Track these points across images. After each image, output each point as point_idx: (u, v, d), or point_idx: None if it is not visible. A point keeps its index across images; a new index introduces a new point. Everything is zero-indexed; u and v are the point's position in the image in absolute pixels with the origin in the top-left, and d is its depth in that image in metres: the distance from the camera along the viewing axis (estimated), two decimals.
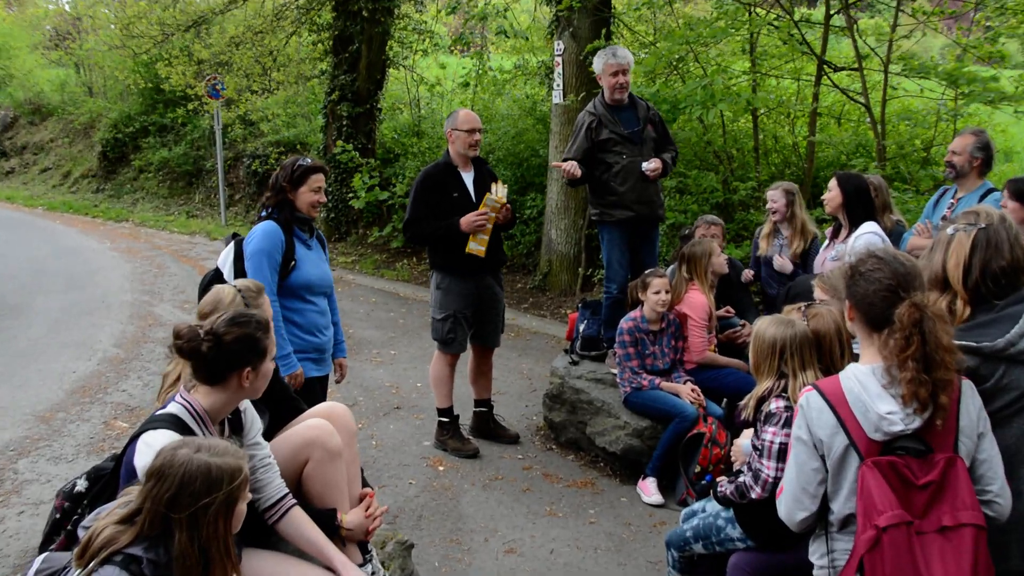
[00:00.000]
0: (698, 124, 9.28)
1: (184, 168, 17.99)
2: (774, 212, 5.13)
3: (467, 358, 5.25)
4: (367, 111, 12.63)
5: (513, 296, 9.80)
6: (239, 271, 3.61)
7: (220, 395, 2.40)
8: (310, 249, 3.77)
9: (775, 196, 5.12)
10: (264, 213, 3.70)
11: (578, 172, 4.90)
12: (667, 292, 4.49)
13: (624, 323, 4.60)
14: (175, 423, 2.31)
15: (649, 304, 4.51)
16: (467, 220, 4.69)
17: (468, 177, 4.85)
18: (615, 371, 4.84)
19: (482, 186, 4.88)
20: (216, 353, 2.35)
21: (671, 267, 5.03)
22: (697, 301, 4.59)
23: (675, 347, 4.62)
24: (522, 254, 10.75)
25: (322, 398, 3.74)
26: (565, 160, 5.07)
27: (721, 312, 5.01)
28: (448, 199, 4.75)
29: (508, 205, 4.76)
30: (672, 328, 4.61)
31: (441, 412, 5.07)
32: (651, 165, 4.92)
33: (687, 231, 5.39)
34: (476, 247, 4.77)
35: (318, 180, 3.72)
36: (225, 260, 3.67)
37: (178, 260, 12.00)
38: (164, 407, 2.39)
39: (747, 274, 5.32)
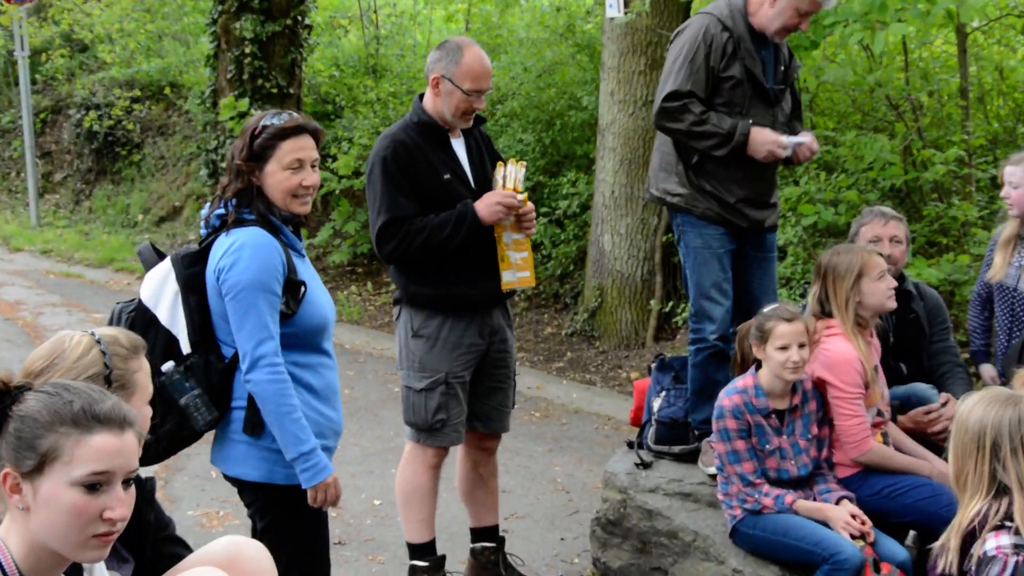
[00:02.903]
0: (860, 52, 9.39)
1: None
2: (1011, 204, 5.15)
3: (454, 455, 5.30)
4: (287, 31, 12.90)
5: (538, 348, 9.88)
6: (197, 310, 3.68)
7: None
8: (303, 260, 3.89)
9: (1017, 175, 5.11)
10: (222, 211, 3.75)
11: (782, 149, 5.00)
12: (802, 346, 4.50)
13: (726, 399, 4.60)
14: None
15: (772, 366, 4.51)
16: (490, 204, 4.74)
17: (459, 147, 4.93)
18: (712, 472, 4.87)
19: (481, 164, 4.96)
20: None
21: (806, 302, 5.04)
22: (839, 355, 4.60)
23: (818, 438, 4.64)
24: (553, 276, 10.87)
25: (321, 519, 3.89)
26: (683, 95, 4.99)
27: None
28: (436, 184, 4.79)
29: (529, 201, 4.85)
30: (812, 404, 4.65)
31: (415, 550, 5.10)
32: (806, 139, 5.02)
33: (850, 234, 5.41)
34: (517, 276, 4.87)
35: (298, 149, 3.76)
36: (160, 291, 3.73)
37: None
38: None
39: (987, 372, 5.32)
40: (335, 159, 11.63)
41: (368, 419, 7.90)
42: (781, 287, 8.01)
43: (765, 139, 4.92)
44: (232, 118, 11.29)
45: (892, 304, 4.72)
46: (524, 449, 7.31)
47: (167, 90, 15.99)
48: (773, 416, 4.58)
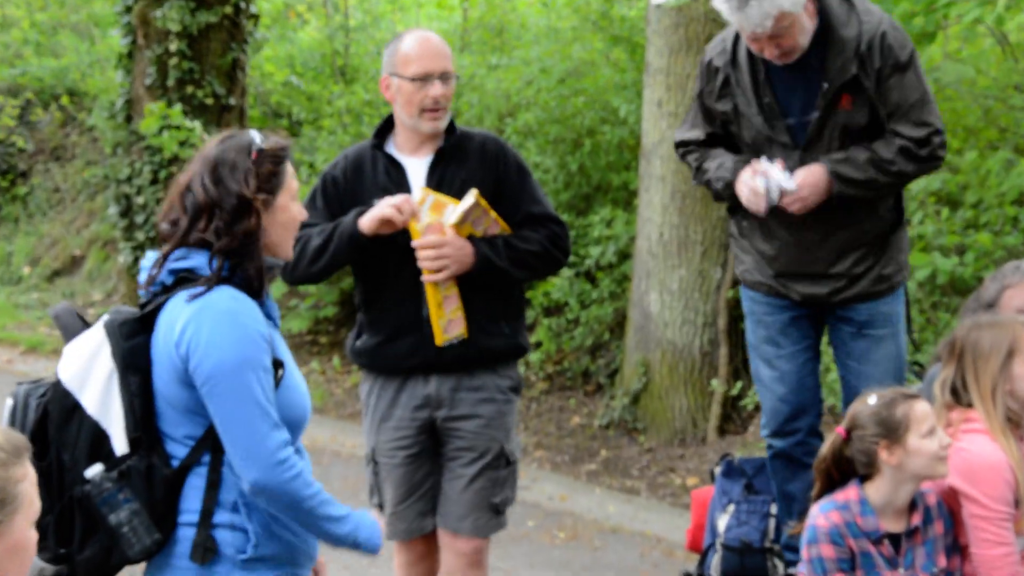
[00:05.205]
0: (994, 47, 9.42)
1: None
2: None
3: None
4: (225, 22, 13.00)
5: (562, 445, 9.85)
6: (139, 395, 3.66)
7: None
8: (279, 335, 3.91)
9: None
10: (183, 264, 3.70)
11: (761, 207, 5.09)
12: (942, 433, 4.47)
13: (822, 517, 4.55)
14: None
15: (920, 465, 4.39)
16: (372, 214, 4.98)
17: (417, 167, 5.21)
18: None
19: (449, 188, 5.15)
20: None
21: (931, 375, 5.06)
22: (982, 458, 4.53)
23: (947, 572, 4.60)
24: (582, 348, 10.84)
25: None
26: (682, 145, 5.39)
27: None
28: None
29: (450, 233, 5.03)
30: (938, 526, 4.62)
31: None
32: (793, 184, 5.00)
33: (985, 296, 5.37)
34: (448, 327, 5.08)
35: (293, 174, 3.88)
36: (87, 370, 3.69)
37: None
38: None
39: None
40: None
41: None
42: None
43: (741, 180, 5.09)
44: (160, 131, 11.26)
45: None
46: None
47: (64, 99, 16.07)
48: (886, 542, 4.50)
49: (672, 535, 8.00)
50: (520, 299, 5.42)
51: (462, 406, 5.15)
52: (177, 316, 3.61)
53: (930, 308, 8.42)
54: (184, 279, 3.68)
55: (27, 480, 3.05)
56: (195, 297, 3.61)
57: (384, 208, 4.93)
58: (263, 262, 3.75)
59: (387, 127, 5.27)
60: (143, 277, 3.79)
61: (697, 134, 5.36)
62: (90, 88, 15.73)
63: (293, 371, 3.84)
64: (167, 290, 3.70)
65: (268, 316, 3.79)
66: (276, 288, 12.20)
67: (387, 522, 5.16)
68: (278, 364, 3.71)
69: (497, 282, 5.11)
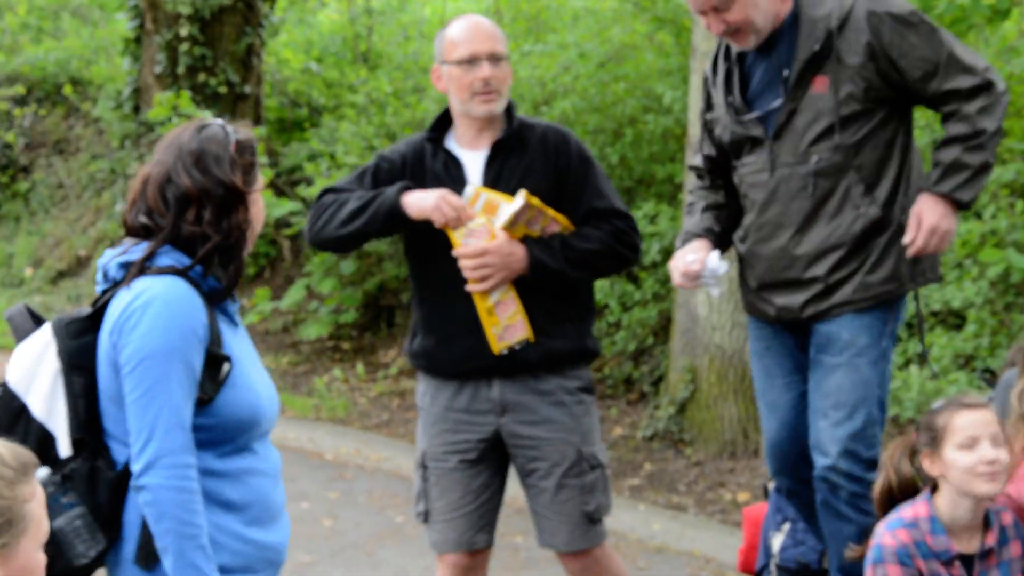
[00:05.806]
0: None
1: None
2: None
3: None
4: (240, 5, 13.07)
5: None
6: (83, 395, 3.70)
7: None
8: (236, 330, 3.96)
9: None
10: (130, 257, 3.75)
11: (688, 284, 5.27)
12: (996, 443, 4.43)
13: (888, 535, 4.53)
14: None
15: (957, 478, 4.41)
16: (425, 200, 5.06)
17: (474, 160, 5.30)
18: None
19: (507, 184, 5.19)
20: None
21: (1006, 380, 5.03)
22: None
23: None
24: (624, 354, 10.84)
25: None
26: (693, 172, 5.61)
27: None
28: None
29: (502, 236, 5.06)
30: (1015, 546, 4.59)
31: None
32: (724, 267, 5.12)
33: None
34: (504, 334, 5.13)
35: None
36: (34, 371, 3.74)
37: None
38: None
39: None
40: (311, 183, 11.64)
41: (359, 561, 7.83)
42: (959, 368, 7.93)
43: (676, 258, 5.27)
44: (168, 120, 11.27)
45: None
46: None
47: (67, 89, 16.13)
48: (957, 564, 4.47)
49: (722, 555, 7.95)
50: (587, 299, 5.44)
51: (528, 411, 5.22)
52: (116, 305, 3.68)
53: (1003, 309, 8.36)
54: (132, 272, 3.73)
55: (35, 500, 3.07)
56: (130, 286, 3.67)
57: (435, 213, 5.02)
58: (243, 260, 3.87)
59: (445, 122, 5.36)
60: (99, 275, 3.86)
61: (699, 161, 5.50)
62: (95, 77, 15.80)
63: (247, 370, 3.86)
64: (116, 286, 3.75)
65: (224, 311, 3.86)
66: (295, 292, 12.24)
67: (434, 530, 5.36)
68: (223, 359, 3.74)
69: (556, 284, 5.15)
